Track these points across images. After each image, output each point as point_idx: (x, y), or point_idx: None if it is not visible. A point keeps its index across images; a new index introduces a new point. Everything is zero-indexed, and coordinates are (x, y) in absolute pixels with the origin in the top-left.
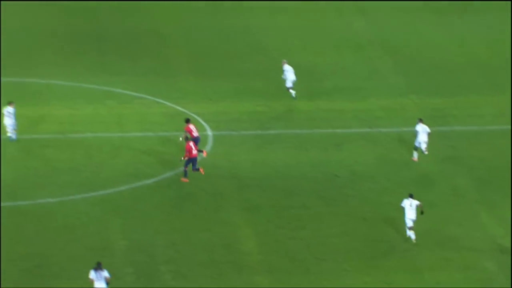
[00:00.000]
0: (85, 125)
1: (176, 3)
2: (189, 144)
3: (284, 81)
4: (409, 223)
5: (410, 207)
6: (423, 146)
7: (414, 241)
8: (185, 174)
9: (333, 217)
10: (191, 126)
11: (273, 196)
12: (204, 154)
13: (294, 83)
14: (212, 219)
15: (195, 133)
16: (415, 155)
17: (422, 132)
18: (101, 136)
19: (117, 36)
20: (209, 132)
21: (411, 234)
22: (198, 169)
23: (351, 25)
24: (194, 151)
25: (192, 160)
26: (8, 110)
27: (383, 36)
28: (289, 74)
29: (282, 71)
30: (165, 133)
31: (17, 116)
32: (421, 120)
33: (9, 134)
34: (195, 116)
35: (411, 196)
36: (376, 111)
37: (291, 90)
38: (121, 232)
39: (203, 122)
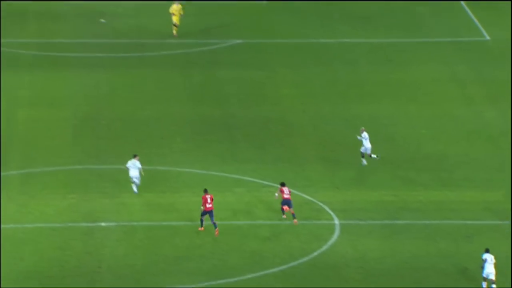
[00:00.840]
0: (214, 212)
1: (302, 91)
2: (205, 197)
3: (361, 146)
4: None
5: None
6: None
7: None
8: (201, 223)
9: None
10: (284, 189)
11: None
12: (295, 222)
13: (370, 150)
14: None
15: (286, 195)
16: None
17: None
18: (230, 223)
19: (246, 125)
20: (336, 221)
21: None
22: (215, 224)
23: (481, 115)
24: (208, 205)
25: (208, 213)
26: (134, 162)
27: None
28: (366, 142)
29: (361, 138)
30: (291, 222)
31: (146, 203)
32: None
33: (133, 186)
34: (322, 205)
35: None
36: (507, 203)
37: (367, 158)
38: None
39: (329, 211)
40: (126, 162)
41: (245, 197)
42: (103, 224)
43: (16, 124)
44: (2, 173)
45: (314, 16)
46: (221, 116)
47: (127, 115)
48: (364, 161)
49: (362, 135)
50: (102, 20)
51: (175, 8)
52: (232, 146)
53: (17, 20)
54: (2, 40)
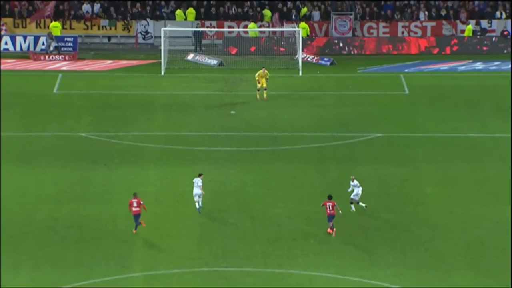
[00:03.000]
0: None
1: (448, 190)
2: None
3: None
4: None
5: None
6: None
7: None
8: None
9: None
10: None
11: None
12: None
13: (359, 197)
14: None
15: (330, 211)
16: None
17: None
18: None
19: (386, 226)
20: None
21: None
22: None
23: None
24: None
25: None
26: (196, 181)
27: None
28: (358, 189)
29: (353, 186)
30: None
31: None
32: None
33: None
34: None
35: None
36: None
37: (356, 205)
38: None
39: None
40: (255, 263)
41: None
42: None
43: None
44: (125, 275)
45: (461, 108)
46: (358, 217)
47: (257, 213)
48: (353, 207)
49: (353, 183)
50: (232, 112)
51: (261, 73)
52: (370, 249)
53: (144, 112)
54: (130, 133)
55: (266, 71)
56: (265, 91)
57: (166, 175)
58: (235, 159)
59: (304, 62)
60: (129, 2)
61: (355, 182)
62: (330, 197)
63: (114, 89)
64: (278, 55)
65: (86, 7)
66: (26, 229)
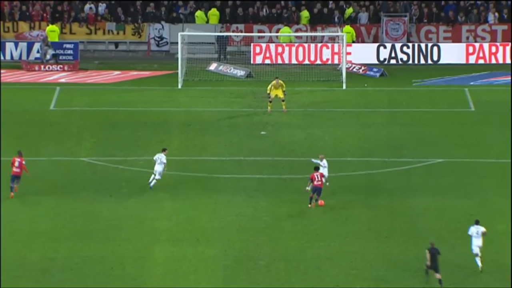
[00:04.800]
0: None
1: None
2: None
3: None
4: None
5: (476, 234)
6: None
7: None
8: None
9: None
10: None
11: None
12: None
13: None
14: None
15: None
16: None
17: None
18: None
19: (447, 268)
20: None
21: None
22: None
23: None
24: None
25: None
26: (160, 157)
27: None
28: (324, 170)
29: (317, 162)
30: None
31: None
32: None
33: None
34: None
35: (477, 222)
36: None
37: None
38: None
39: None
40: None
41: None
42: None
43: (154, 265)
44: None
45: None
46: (413, 258)
47: (292, 254)
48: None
49: (322, 162)
50: (263, 132)
51: (274, 84)
52: None
53: (157, 132)
54: (141, 158)
55: (280, 82)
56: (283, 103)
57: (183, 208)
58: (266, 189)
59: (349, 73)
60: (140, 2)
61: (324, 161)
62: (317, 169)
63: (122, 106)
64: (318, 65)
65: (89, 7)
66: (17, 272)
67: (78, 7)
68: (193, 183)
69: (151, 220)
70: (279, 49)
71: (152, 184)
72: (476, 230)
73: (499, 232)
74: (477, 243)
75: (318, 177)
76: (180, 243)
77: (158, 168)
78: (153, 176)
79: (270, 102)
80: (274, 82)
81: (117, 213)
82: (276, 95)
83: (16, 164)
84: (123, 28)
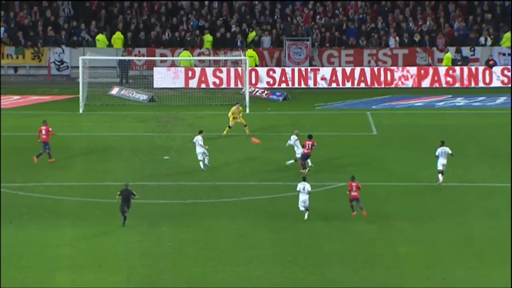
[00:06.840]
0: None
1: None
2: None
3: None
4: (440, 167)
5: (442, 154)
6: None
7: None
8: None
9: None
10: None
11: None
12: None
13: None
14: None
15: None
16: None
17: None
18: None
19: None
20: None
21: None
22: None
23: None
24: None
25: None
26: (197, 139)
27: None
28: (298, 149)
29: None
30: None
31: None
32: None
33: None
34: None
35: (442, 143)
36: None
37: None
38: None
39: None
40: None
41: None
42: None
43: None
44: None
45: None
46: (317, 282)
47: (196, 279)
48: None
49: (295, 141)
50: (166, 157)
51: (235, 111)
52: None
53: (58, 158)
54: (41, 184)
55: (240, 108)
56: (246, 127)
57: (85, 235)
58: (169, 214)
59: (252, 97)
60: (40, 26)
61: (294, 137)
62: (310, 137)
63: (22, 131)
64: (221, 89)
65: None
66: None
67: None
68: (94, 209)
69: (52, 246)
70: (181, 73)
71: (205, 164)
72: (441, 151)
73: (401, 256)
74: (442, 162)
75: (308, 146)
76: (81, 269)
77: (199, 149)
78: (199, 159)
79: (230, 127)
80: (234, 108)
81: (18, 240)
82: (236, 121)
83: (43, 132)
84: (23, 52)
